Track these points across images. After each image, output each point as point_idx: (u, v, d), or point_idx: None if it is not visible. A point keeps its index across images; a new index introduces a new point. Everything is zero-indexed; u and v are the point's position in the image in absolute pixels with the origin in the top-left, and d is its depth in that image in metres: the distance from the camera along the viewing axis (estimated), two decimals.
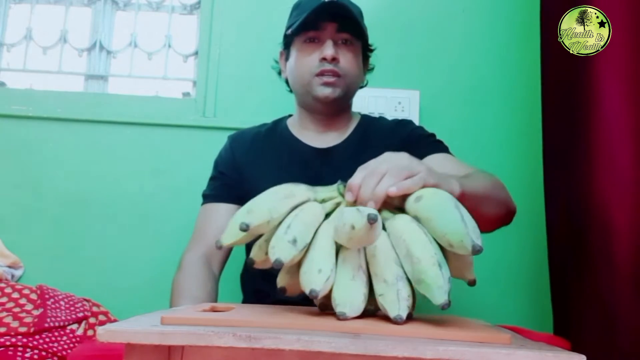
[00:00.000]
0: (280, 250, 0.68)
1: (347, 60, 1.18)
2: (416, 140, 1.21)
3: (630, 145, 1.12)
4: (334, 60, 1.16)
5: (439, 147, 1.21)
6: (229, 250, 1.17)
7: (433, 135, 1.26)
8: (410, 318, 0.71)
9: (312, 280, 0.67)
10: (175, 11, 1.78)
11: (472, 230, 0.68)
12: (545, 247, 1.41)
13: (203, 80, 1.65)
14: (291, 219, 0.72)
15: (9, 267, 1.49)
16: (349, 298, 0.68)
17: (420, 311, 0.82)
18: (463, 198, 0.83)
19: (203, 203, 1.24)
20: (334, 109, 1.22)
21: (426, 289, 0.67)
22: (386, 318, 0.72)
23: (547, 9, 1.42)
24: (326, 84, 1.17)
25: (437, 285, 0.66)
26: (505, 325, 0.88)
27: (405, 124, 1.28)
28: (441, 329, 0.64)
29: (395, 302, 0.67)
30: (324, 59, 1.16)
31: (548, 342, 0.69)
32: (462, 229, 0.69)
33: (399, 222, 0.74)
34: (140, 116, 1.62)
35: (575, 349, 0.79)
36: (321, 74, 1.16)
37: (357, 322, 0.64)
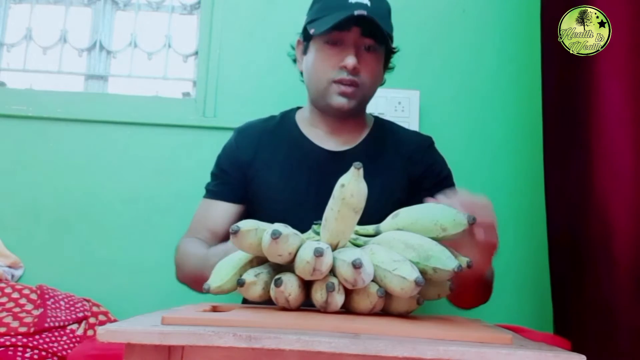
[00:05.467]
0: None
1: (367, 70, 1.13)
2: (435, 180, 1.19)
3: (631, 145, 1.12)
4: (354, 69, 1.11)
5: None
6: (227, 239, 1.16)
7: (450, 176, 1.23)
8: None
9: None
10: (175, 11, 1.78)
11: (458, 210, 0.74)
12: (545, 246, 1.41)
13: (203, 80, 1.65)
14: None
15: (9, 267, 1.49)
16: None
17: (421, 311, 0.82)
18: (483, 278, 0.88)
19: (204, 197, 1.22)
20: (347, 116, 1.18)
21: (436, 261, 0.71)
22: (386, 318, 0.72)
23: (547, 9, 1.42)
24: (343, 94, 1.12)
25: (445, 255, 0.71)
26: (505, 325, 0.88)
27: (428, 147, 1.25)
28: (441, 329, 0.64)
29: (411, 269, 0.69)
30: (344, 67, 1.11)
31: (549, 342, 0.69)
32: (451, 210, 0.74)
33: (386, 234, 0.77)
34: (140, 116, 1.62)
35: (575, 348, 0.79)
36: (339, 82, 1.12)
37: (357, 322, 0.64)
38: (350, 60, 1.10)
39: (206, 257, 0.98)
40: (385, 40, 1.15)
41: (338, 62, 1.12)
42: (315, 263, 0.68)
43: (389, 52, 1.22)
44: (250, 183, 1.19)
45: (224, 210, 1.18)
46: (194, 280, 1.03)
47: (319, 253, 0.68)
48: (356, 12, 1.07)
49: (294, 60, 1.26)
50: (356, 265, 0.67)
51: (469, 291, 0.93)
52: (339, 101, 1.13)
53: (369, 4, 1.11)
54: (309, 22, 1.16)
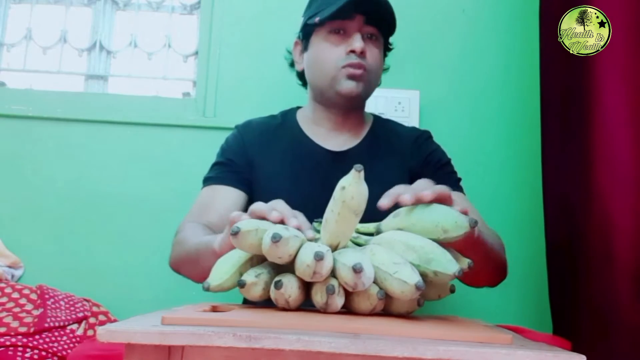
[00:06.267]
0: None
1: (372, 56, 1.14)
2: (435, 167, 1.19)
3: (630, 144, 1.12)
4: (362, 53, 1.12)
5: (454, 183, 1.19)
6: None
7: (450, 163, 1.23)
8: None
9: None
10: (175, 11, 1.79)
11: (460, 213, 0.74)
12: (544, 246, 1.41)
13: (203, 80, 1.65)
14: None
15: (9, 267, 1.49)
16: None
17: (421, 311, 0.82)
18: (477, 242, 0.85)
19: (204, 186, 1.19)
20: (353, 105, 1.19)
21: (437, 264, 0.70)
22: (386, 318, 0.72)
23: (547, 9, 1.42)
24: (352, 77, 1.12)
25: (447, 259, 0.70)
26: (505, 326, 0.88)
27: (426, 139, 1.25)
28: (441, 329, 0.64)
29: (412, 273, 0.68)
30: (352, 51, 1.12)
31: (549, 343, 0.69)
32: (453, 212, 0.73)
33: (387, 234, 0.77)
34: (140, 116, 1.62)
35: (574, 349, 0.79)
36: (348, 66, 1.12)
37: (357, 322, 0.64)
38: (358, 43, 1.11)
39: (208, 243, 0.93)
40: (388, 26, 1.16)
41: (344, 48, 1.13)
42: (316, 267, 0.68)
43: (386, 49, 1.23)
44: (253, 178, 1.18)
45: (232, 195, 1.15)
46: (187, 262, 1.00)
47: (319, 257, 0.68)
48: None
49: (291, 65, 1.27)
50: (356, 270, 0.67)
51: (474, 260, 0.90)
52: (349, 85, 1.13)
53: None
54: (311, 17, 1.17)
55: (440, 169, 1.20)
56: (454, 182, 1.20)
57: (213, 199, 1.15)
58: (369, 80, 1.15)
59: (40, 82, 1.74)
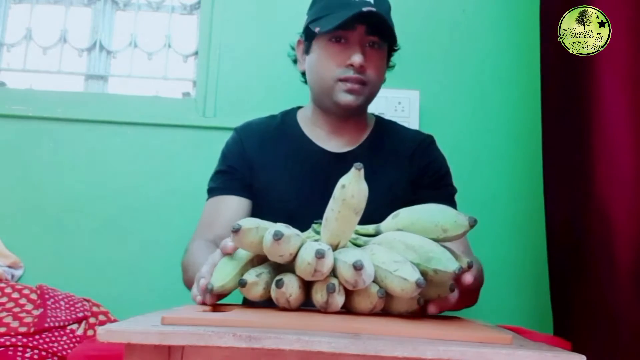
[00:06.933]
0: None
1: (373, 67, 1.13)
2: (433, 177, 1.19)
3: (631, 145, 1.12)
4: (361, 68, 1.10)
5: (449, 197, 1.18)
6: None
7: (449, 175, 1.22)
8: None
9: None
10: (175, 11, 1.79)
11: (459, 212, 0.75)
12: (545, 247, 1.41)
13: (203, 80, 1.65)
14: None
15: (9, 267, 1.49)
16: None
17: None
18: (472, 287, 0.85)
19: (209, 197, 1.18)
20: (352, 114, 1.18)
21: (437, 262, 0.70)
22: (386, 318, 0.72)
23: (547, 9, 1.42)
24: (350, 91, 1.11)
25: (446, 257, 0.71)
26: (506, 326, 0.88)
27: (429, 144, 1.24)
28: (441, 329, 0.64)
29: (412, 271, 0.68)
30: (350, 65, 1.10)
31: (549, 343, 0.69)
32: (451, 211, 0.75)
33: (386, 234, 0.77)
34: (140, 116, 1.62)
35: (575, 349, 0.79)
36: (345, 80, 1.11)
37: (357, 322, 0.64)
38: (357, 58, 1.09)
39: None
40: (390, 37, 1.14)
41: (344, 60, 1.11)
42: (317, 264, 0.68)
43: (390, 49, 1.22)
44: (254, 181, 1.18)
45: (237, 205, 1.15)
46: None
47: (320, 255, 0.67)
48: (365, 9, 1.07)
49: (294, 61, 1.26)
50: (357, 267, 0.67)
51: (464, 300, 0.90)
52: (347, 98, 1.12)
53: (372, 1, 1.10)
54: (312, 21, 1.15)
55: (438, 180, 1.20)
56: (449, 196, 1.19)
57: (218, 212, 1.15)
58: (369, 93, 1.14)
59: (40, 82, 1.74)
